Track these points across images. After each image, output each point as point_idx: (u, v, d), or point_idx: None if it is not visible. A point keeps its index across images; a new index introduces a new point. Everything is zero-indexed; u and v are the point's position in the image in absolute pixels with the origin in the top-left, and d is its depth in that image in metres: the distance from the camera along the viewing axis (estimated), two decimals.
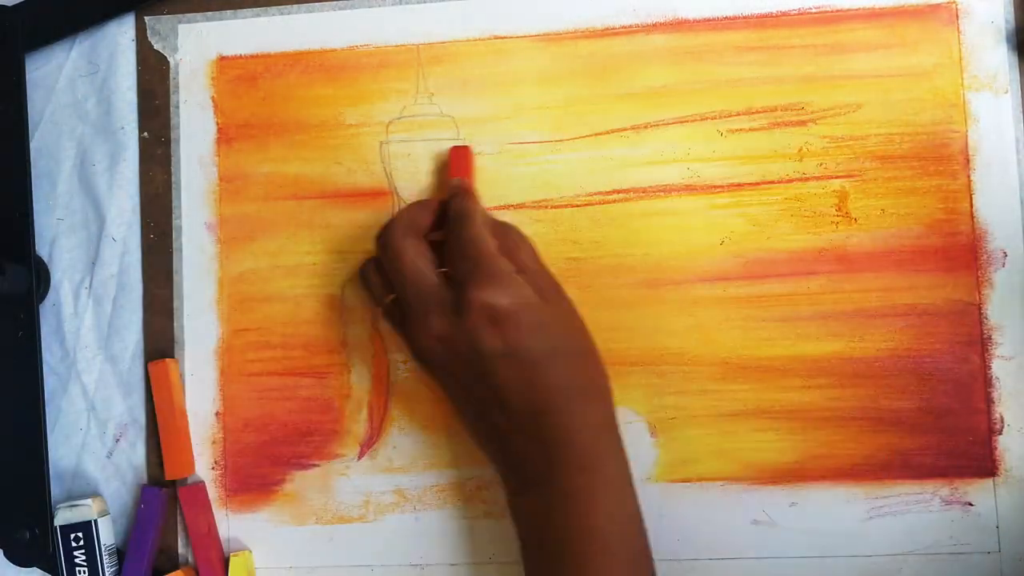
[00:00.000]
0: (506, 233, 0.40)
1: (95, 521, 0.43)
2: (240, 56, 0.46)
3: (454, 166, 0.43)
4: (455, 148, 0.44)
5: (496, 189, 0.44)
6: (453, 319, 0.37)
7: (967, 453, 0.42)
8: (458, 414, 0.41)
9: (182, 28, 0.46)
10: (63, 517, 0.44)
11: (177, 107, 0.46)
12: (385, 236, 0.40)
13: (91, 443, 0.46)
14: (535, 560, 0.37)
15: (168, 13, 0.46)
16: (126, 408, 0.46)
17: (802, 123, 0.43)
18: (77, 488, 0.46)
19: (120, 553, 0.45)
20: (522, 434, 0.37)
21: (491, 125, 0.45)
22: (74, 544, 0.43)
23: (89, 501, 0.44)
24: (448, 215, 0.40)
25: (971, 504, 0.41)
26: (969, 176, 0.42)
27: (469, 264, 0.38)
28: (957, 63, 0.43)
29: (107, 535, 0.44)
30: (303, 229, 0.45)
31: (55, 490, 0.45)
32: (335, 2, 0.46)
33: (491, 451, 0.39)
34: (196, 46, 0.46)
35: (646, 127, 0.44)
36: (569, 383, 0.37)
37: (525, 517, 0.38)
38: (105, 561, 0.43)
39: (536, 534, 0.37)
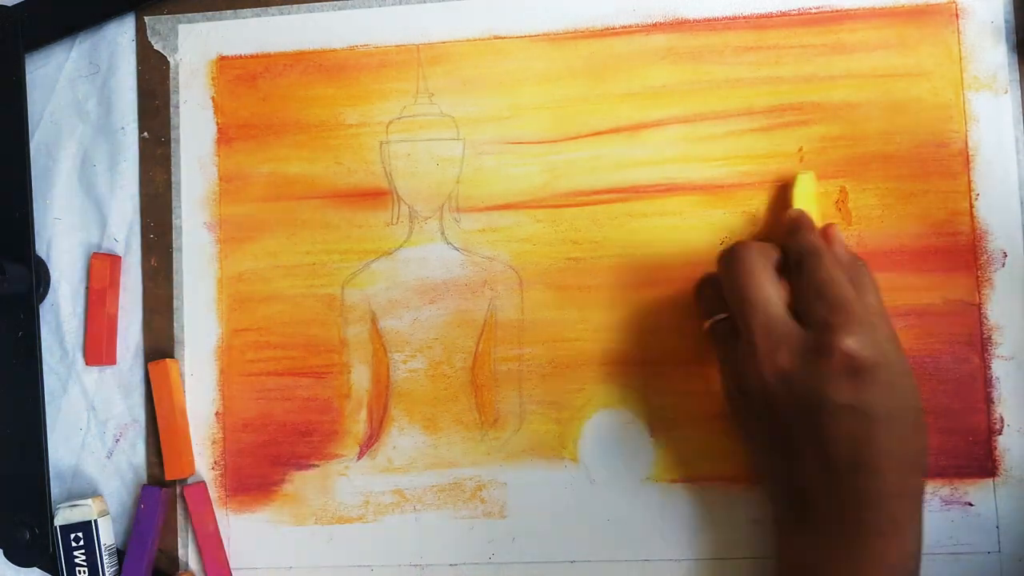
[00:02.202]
0: (856, 271, 0.37)
1: (95, 521, 0.43)
2: (240, 56, 0.46)
3: (796, 195, 0.41)
4: (801, 176, 0.42)
5: (496, 189, 0.44)
6: (806, 359, 0.35)
7: (967, 453, 0.42)
8: (751, 447, 0.40)
9: (182, 28, 0.46)
10: (63, 517, 0.44)
11: (177, 107, 0.46)
12: (736, 255, 0.37)
13: (91, 443, 0.46)
14: None
15: (168, 13, 0.46)
16: (126, 408, 0.46)
17: (802, 123, 0.43)
18: (77, 488, 0.46)
19: (120, 553, 0.45)
20: (834, 489, 0.35)
21: (491, 125, 0.45)
22: (74, 544, 0.43)
23: (89, 501, 0.44)
24: (792, 250, 0.38)
25: (971, 504, 0.41)
26: (969, 176, 0.42)
27: (827, 306, 0.35)
28: (957, 63, 0.43)
29: (107, 535, 0.44)
30: (303, 229, 0.45)
31: (55, 490, 0.45)
32: (335, 2, 0.46)
33: (784, 492, 0.38)
34: (196, 46, 0.46)
35: (646, 127, 0.44)
36: (901, 449, 0.35)
37: (798, 557, 0.37)
38: (105, 561, 0.43)
39: (806, 574, 0.36)
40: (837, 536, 0.35)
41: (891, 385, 0.35)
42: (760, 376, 0.36)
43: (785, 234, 0.39)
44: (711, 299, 0.39)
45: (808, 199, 0.41)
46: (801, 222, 0.39)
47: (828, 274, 0.36)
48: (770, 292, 0.36)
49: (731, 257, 0.37)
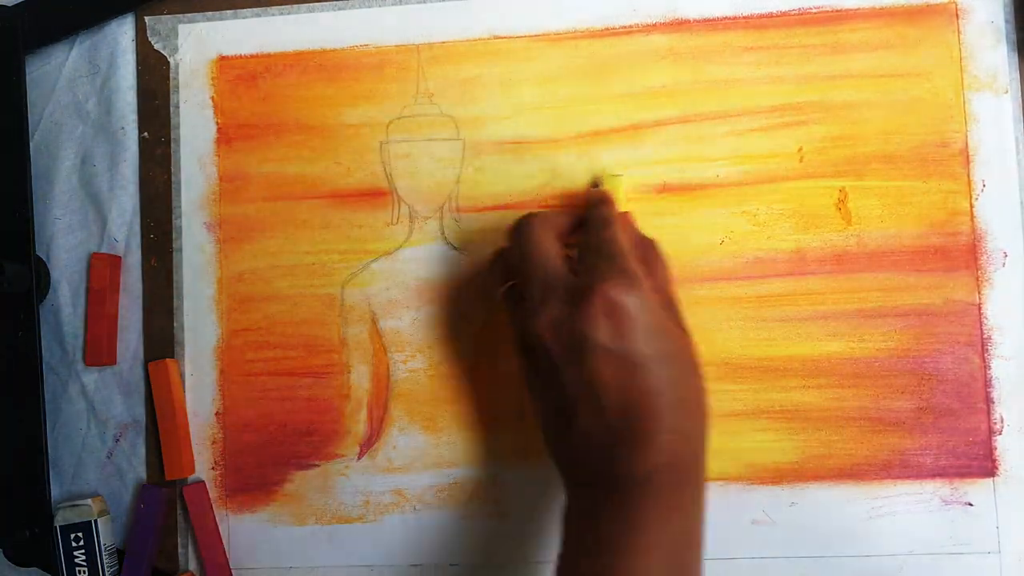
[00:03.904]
0: (647, 248, 0.40)
1: (95, 521, 0.43)
2: (240, 56, 0.46)
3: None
4: (608, 177, 0.43)
5: (496, 188, 0.44)
6: (572, 304, 0.36)
7: (967, 453, 0.42)
8: (537, 409, 0.40)
9: (182, 28, 0.46)
10: (63, 517, 0.44)
11: (177, 107, 0.46)
12: (520, 223, 0.39)
13: (91, 443, 0.46)
14: (573, 559, 0.36)
15: (168, 13, 0.46)
16: (126, 408, 0.46)
17: (802, 123, 0.43)
18: (77, 488, 0.46)
19: (120, 553, 0.45)
20: (609, 435, 0.36)
21: (491, 125, 0.45)
22: (74, 544, 0.43)
23: (89, 501, 0.44)
24: (587, 222, 0.40)
25: (971, 504, 0.41)
26: (969, 176, 0.42)
27: (600, 261, 0.37)
28: (957, 63, 0.43)
29: (107, 535, 0.44)
30: (303, 229, 0.45)
31: (55, 490, 0.45)
32: (335, 2, 0.46)
33: (562, 449, 0.38)
34: (196, 46, 0.46)
35: (646, 127, 0.44)
36: (671, 393, 0.35)
37: (579, 514, 0.37)
38: (105, 561, 0.43)
39: (588, 532, 0.36)
40: (611, 489, 0.35)
41: (655, 333, 0.36)
42: (535, 327, 0.37)
43: (584, 207, 0.41)
44: (503, 270, 0.41)
45: (616, 195, 0.42)
46: (602, 196, 0.41)
47: (610, 234, 0.38)
48: (549, 251, 0.38)
49: (518, 224, 0.39)
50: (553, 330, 0.36)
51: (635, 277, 0.36)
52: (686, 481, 0.36)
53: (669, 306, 0.39)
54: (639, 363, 0.35)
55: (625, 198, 0.43)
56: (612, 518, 0.35)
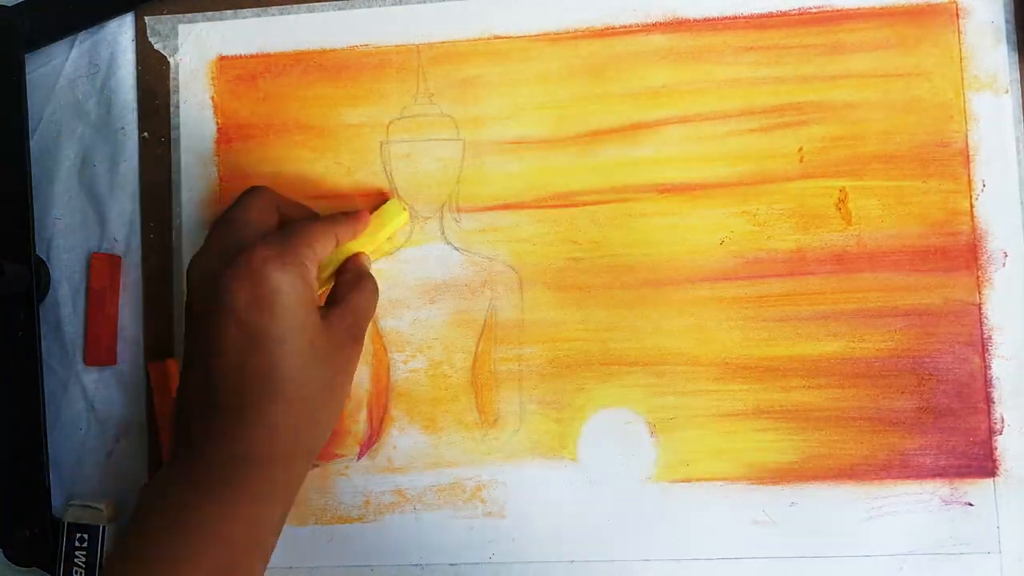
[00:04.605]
0: (362, 276, 0.40)
1: (104, 527, 0.43)
2: (240, 56, 0.46)
3: (377, 213, 0.43)
4: (392, 203, 0.43)
5: (496, 189, 0.44)
6: (226, 260, 0.35)
7: (967, 453, 0.42)
8: (179, 384, 0.38)
9: (182, 28, 0.46)
10: (73, 515, 0.44)
11: (177, 107, 0.46)
12: (246, 190, 0.40)
13: (91, 443, 0.46)
14: (123, 544, 0.34)
15: (168, 13, 0.46)
16: (126, 408, 0.46)
17: (802, 123, 0.43)
18: (77, 488, 0.46)
19: None
20: (210, 400, 0.35)
21: (491, 125, 0.45)
22: (78, 544, 0.43)
23: (102, 505, 0.44)
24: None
25: (971, 504, 0.41)
26: (969, 176, 0.42)
27: (276, 236, 0.37)
28: (957, 63, 0.43)
29: (111, 543, 0.44)
30: None
31: (55, 490, 0.45)
32: (335, 2, 0.46)
33: (180, 424, 0.36)
34: (196, 46, 0.46)
35: (646, 127, 0.44)
36: (291, 382, 0.34)
37: (155, 481, 0.35)
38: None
39: (152, 505, 0.34)
40: (188, 458, 0.34)
41: (292, 316, 0.35)
42: (190, 270, 0.37)
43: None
44: None
45: (384, 220, 0.43)
46: (353, 213, 0.41)
47: (308, 224, 0.38)
48: (245, 213, 0.38)
49: (242, 193, 0.39)
50: (201, 282, 0.36)
51: (296, 257, 0.36)
52: (266, 483, 0.34)
53: (352, 325, 0.38)
54: (264, 341, 0.34)
55: (392, 230, 0.43)
56: (172, 505, 0.33)
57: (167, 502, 0.33)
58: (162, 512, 0.33)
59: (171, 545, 0.32)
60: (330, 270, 0.41)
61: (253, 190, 0.40)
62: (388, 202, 0.44)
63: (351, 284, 0.40)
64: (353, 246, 0.41)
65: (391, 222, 0.43)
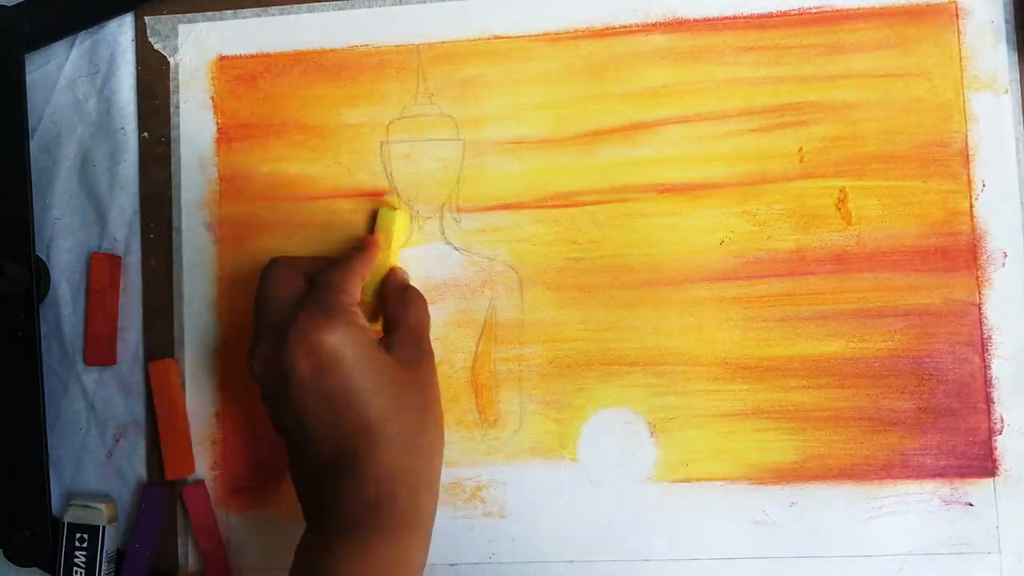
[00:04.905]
0: (406, 291, 0.41)
1: (103, 528, 0.43)
2: (240, 56, 0.46)
3: (377, 226, 0.43)
4: (383, 210, 0.43)
5: (496, 189, 0.44)
6: (280, 340, 0.36)
7: (967, 453, 0.42)
8: (288, 456, 0.40)
9: (182, 28, 0.46)
10: (73, 515, 0.44)
11: (177, 107, 0.46)
12: (265, 268, 0.40)
13: (91, 443, 0.46)
14: None
15: (168, 13, 0.46)
16: (126, 408, 0.46)
17: (802, 123, 0.43)
18: (77, 488, 0.46)
19: (120, 553, 0.45)
20: (320, 471, 0.36)
21: (491, 125, 0.45)
22: (78, 544, 0.43)
23: (101, 506, 0.44)
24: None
25: (971, 504, 0.41)
26: (969, 176, 0.42)
27: (311, 296, 0.37)
28: (957, 63, 0.43)
29: (110, 543, 0.44)
30: (303, 229, 0.45)
31: (55, 490, 0.45)
32: (335, 2, 0.46)
33: (303, 495, 0.38)
34: (196, 46, 0.46)
35: (646, 127, 0.44)
36: (381, 429, 0.35)
37: (299, 553, 0.36)
38: (103, 569, 0.43)
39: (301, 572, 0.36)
40: (319, 528, 0.36)
41: (362, 367, 0.35)
42: (252, 367, 0.37)
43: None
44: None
45: (387, 231, 0.43)
46: (362, 242, 0.42)
47: (333, 274, 0.38)
48: (275, 291, 0.38)
49: (263, 270, 0.40)
50: (265, 370, 0.37)
51: (337, 311, 0.36)
52: (399, 530, 0.35)
53: (413, 344, 0.39)
54: (343, 397, 0.35)
55: (399, 233, 0.43)
56: (315, 565, 0.35)
57: (311, 559, 0.35)
58: (305, 567, 0.35)
59: None
60: (370, 293, 0.41)
61: (271, 265, 0.40)
62: (379, 212, 0.43)
63: (398, 304, 0.40)
64: (378, 267, 0.42)
65: (392, 225, 0.43)
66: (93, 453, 0.46)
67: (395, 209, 0.43)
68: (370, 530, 0.35)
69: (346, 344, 0.35)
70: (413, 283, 0.44)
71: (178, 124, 0.46)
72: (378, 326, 0.41)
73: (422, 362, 0.39)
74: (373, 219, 0.44)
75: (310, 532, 0.37)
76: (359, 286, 0.39)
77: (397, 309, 0.40)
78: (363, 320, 0.38)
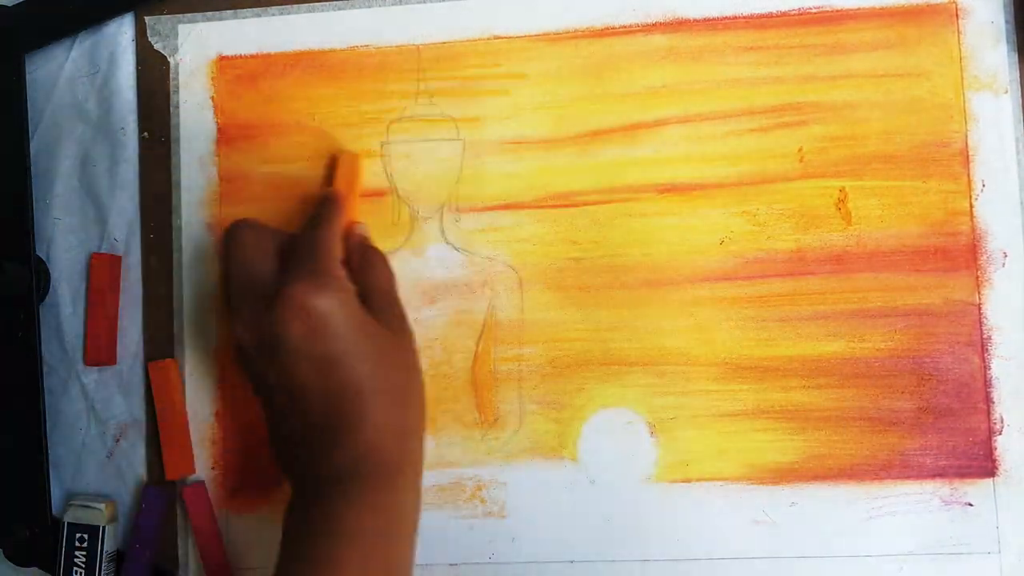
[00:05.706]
0: (366, 251, 0.41)
1: (103, 528, 0.43)
2: (240, 56, 0.46)
3: (339, 175, 0.43)
4: (344, 155, 0.43)
5: (496, 189, 0.44)
6: (266, 311, 0.36)
7: (967, 453, 0.42)
8: (262, 413, 0.40)
9: (182, 28, 0.46)
10: (73, 515, 0.44)
11: (177, 107, 0.46)
12: (226, 230, 0.39)
13: (91, 443, 0.46)
14: (280, 566, 0.36)
15: (168, 13, 0.46)
16: (126, 408, 0.46)
17: (802, 123, 0.43)
18: (77, 488, 0.46)
19: (119, 553, 0.45)
20: (311, 434, 0.36)
21: (491, 125, 0.45)
22: (78, 544, 0.43)
23: (102, 506, 0.44)
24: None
25: (971, 504, 0.41)
26: (969, 176, 0.42)
27: (297, 259, 0.37)
28: (957, 63, 0.43)
29: (110, 543, 0.44)
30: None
31: (55, 490, 0.45)
32: (335, 2, 0.46)
33: (279, 450, 0.39)
34: (196, 46, 0.46)
35: (646, 127, 0.44)
36: (371, 390, 0.36)
37: (289, 517, 0.37)
38: (104, 568, 0.43)
39: (292, 535, 0.36)
40: (313, 491, 0.36)
41: (352, 331, 0.36)
42: (235, 332, 0.37)
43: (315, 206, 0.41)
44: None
45: (348, 179, 0.43)
46: (328, 196, 0.41)
47: (315, 234, 0.38)
48: (249, 255, 0.38)
49: (225, 232, 0.40)
50: (251, 335, 0.37)
51: (327, 276, 0.36)
52: (390, 477, 0.36)
53: (387, 306, 0.39)
54: (334, 361, 0.35)
55: (360, 185, 0.43)
56: (311, 519, 0.35)
57: (302, 523, 0.35)
58: (299, 529, 0.35)
59: (315, 547, 0.34)
60: None
61: (236, 228, 0.39)
62: (340, 157, 0.43)
63: (364, 265, 0.40)
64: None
65: (355, 170, 0.43)
66: (93, 453, 0.46)
67: (356, 153, 0.43)
68: (361, 479, 0.35)
69: (336, 309, 0.36)
70: (412, 283, 0.44)
71: (178, 124, 0.46)
72: None
73: (402, 323, 0.40)
74: (331, 168, 0.44)
75: (297, 495, 0.37)
76: (340, 244, 0.39)
77: (365, 272, 0.40)
78: (349, 283, 0.38)
